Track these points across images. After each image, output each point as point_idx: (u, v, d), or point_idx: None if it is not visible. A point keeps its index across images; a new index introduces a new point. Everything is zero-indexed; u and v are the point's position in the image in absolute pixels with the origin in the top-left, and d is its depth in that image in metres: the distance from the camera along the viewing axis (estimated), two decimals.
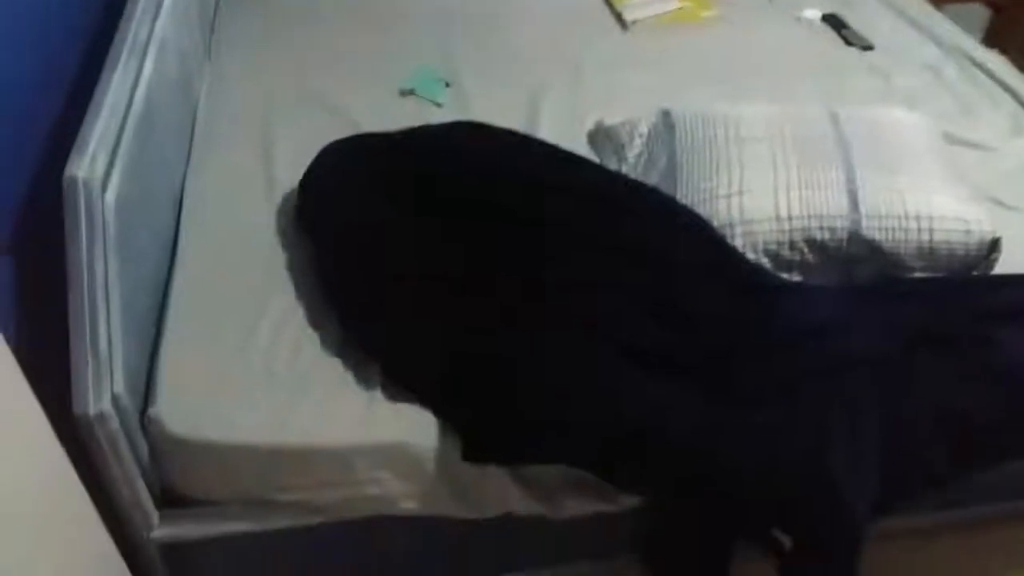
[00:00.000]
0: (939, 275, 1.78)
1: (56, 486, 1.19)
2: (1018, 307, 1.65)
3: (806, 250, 1.76)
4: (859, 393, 1.50)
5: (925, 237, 1.75)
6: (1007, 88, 2.40)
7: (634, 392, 1.48)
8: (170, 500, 1.53)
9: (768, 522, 1.50)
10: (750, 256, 1.74)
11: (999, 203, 1.97)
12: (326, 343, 1.61)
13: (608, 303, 1.61)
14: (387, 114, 2.12)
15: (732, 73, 2.42)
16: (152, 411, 1.47)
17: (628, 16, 2.65)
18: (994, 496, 1.92)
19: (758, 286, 1.70)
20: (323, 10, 2.64)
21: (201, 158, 2.02)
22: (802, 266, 1.77)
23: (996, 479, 1.69)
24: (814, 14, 2.77)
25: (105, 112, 1.55)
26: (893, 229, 1.75)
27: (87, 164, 1.42)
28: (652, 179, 1.92)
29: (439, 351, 1.55)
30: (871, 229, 1.75)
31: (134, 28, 1.80)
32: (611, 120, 2.13)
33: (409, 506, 1.54)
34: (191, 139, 2.08)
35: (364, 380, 1.55)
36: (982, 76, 2.46)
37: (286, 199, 1.91)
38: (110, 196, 1.45)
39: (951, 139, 2.12)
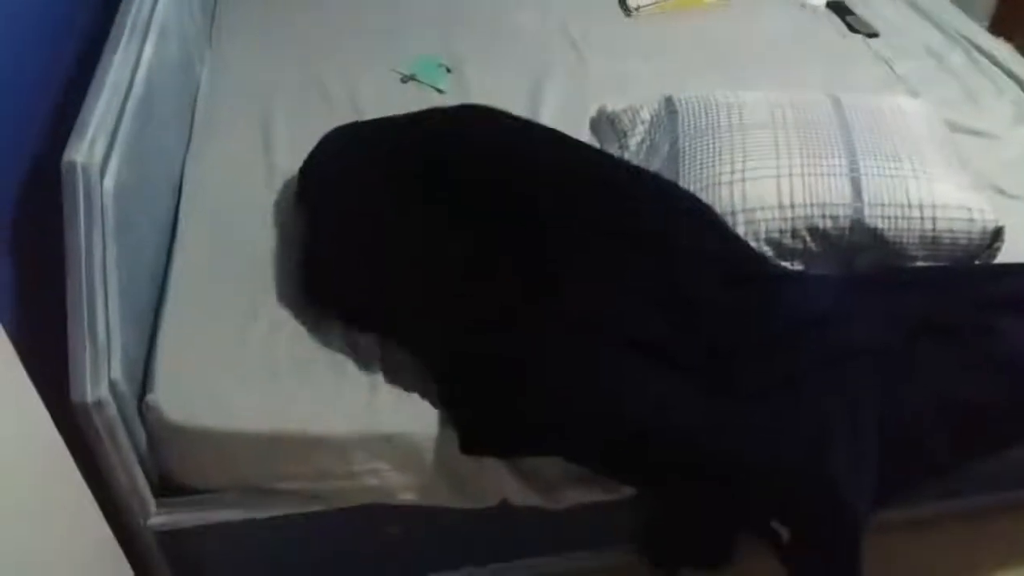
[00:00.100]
0: (941, 264, 1.77)
1: (53, 473, 1.18)
2: (1020, 296, 1.64)
3: (808, 238, 1.75)
4: (861, 384, 1.49)
5: (928, 226, 1.74)
6: (1012, 76, 2.38)
7: (635, 392, 1.47)
8: (168, 488, 1.53)
9: (768, 516, 1.50)
10: (752, 244, 1.73)
11: (1002, 192, 1.96)
12: (326, 331, 1.60)
13: (610, 290, 1.60)
14: (388, 100, 2.11)
15: (736, 60, 2.40)
16: (150, 398, 1.46)
17: (632, 2, 2.64)
18: (995, 486, 1.92)
19: (760, 275, 1.69)
20: None
21: (201, 144, 2.01)
22: (804, 254, 1.76)
23: (997, 469, 1.69)
24: (819, 1, 2.75)
25: (105, 95, 1.54)
26: (896, 217, 1.73)
27: (86, 149, 1.41)
28: (654, 165, 1.91)
29: (439, 351, 1.54)
30: (874, 217, 1.73)
31: (134, 11, 1.79)
32: (614, 106, 2.11)
33: (407, 497, 1.53)
34: (191, 125, 2.07)
35: (364, 369, 1.54)
36: (987, 64, 2.44)
37: (286, 186, 1.90)
38: (109, 182, 1.44)
39: (955, 127, 2.10)
